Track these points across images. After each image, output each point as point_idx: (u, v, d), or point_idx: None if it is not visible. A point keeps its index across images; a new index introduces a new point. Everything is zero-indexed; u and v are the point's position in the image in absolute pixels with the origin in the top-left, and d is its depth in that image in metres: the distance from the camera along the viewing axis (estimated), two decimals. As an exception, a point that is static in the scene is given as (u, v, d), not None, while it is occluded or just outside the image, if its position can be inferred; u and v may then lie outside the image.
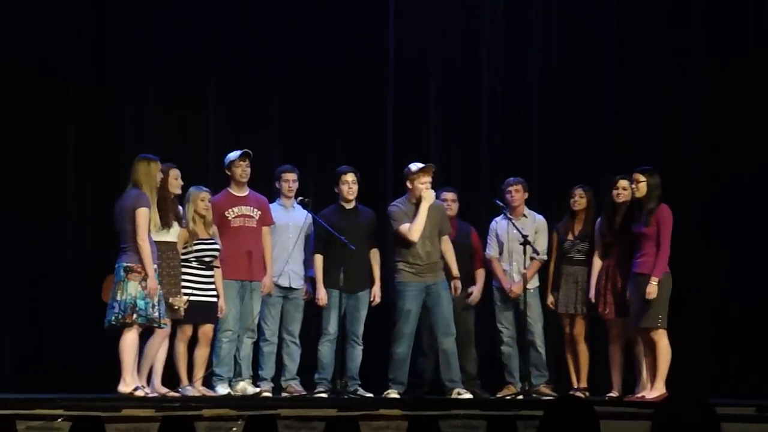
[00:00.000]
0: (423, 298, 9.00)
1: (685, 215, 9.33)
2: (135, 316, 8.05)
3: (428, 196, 9.00)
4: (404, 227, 8.97)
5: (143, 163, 8.28)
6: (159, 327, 8.24)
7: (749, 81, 10.08)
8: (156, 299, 8.12)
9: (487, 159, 10.48)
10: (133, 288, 8.06)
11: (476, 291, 9.55)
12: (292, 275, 9.20)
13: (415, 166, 9.05)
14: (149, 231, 8.15)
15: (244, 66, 10.43)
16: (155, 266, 8.16)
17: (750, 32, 10.12)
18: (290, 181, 9.31)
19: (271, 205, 9.26)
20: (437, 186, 9.33)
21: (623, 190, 8.97)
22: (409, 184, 9.07)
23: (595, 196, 9.28)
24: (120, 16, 10.21)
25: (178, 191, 8.70)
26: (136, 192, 8.20)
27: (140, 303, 8.06)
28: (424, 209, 8.97)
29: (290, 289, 9.21)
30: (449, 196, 9.50)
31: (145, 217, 8.10)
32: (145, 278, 8.07)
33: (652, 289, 8.47)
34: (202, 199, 8.80)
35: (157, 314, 8.13)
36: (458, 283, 9.22)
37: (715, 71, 10.14)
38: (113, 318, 8.11)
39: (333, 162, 9.69)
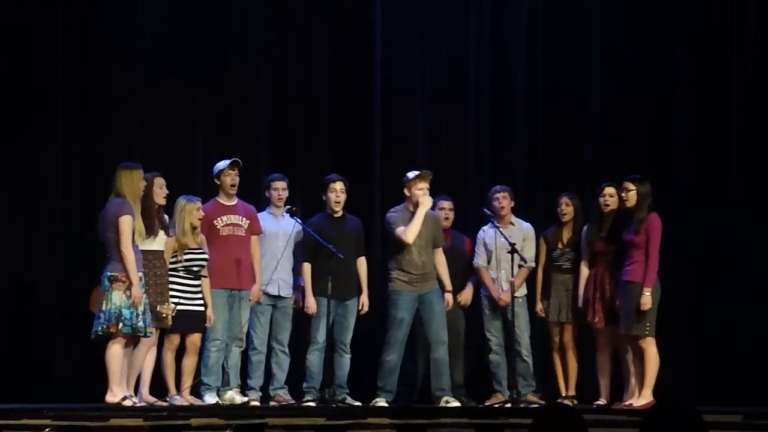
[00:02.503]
0: (416, 307, 9.01)
1: (671, 222, 9.33)
2: (120, 325, 7.99)
3: (425, 202, 9.01)
4: (400, 230, 8.97)
5: (125, 172, 8.22)
6: (144, 336, 8.19)
7: (734, 86, 10.11)
8: (141, 308, 8.07)
9: (473, 167, 10.49)
10: (117, 297, 8.01)
11: (466, 292, 9.51)
12: (281, 284, 9.18)
13: (412, 173, 9.07)
14: (134, 239, 8.12)
15: (231, 74, 10.42)
16: (140, 275, 8.12)
17: (735, 36, 10.15)
18: (279, 189, 9.30)
19: (260, 213, 9.26)
20: (432, 195, 9.28)
21: (610, 197, 8.97)
22: (406, 191, 9.08)
23: (582, 204, 9.29)
24: (107, 25, 10.19)
25: (163, 201, 8.66)
26: (118, 201, 8.14)
27: (125, 312, 8.01)
28: (420, 213, 8.97)
29: (279, 297, 9.20)
30: (446, 204, 9.50)
31: (128, 225, 8.04)
32: (129, 287, 8.01)
33: (646, 300, 8.48)
34: (197, 208, 8.78)
35: (142, 323, 8.07)
36: (450, 297, 9.21)
37: (700, 77, 10.18)
38: (99, 328, 8.05)
39: (321, 170, 9.69)
